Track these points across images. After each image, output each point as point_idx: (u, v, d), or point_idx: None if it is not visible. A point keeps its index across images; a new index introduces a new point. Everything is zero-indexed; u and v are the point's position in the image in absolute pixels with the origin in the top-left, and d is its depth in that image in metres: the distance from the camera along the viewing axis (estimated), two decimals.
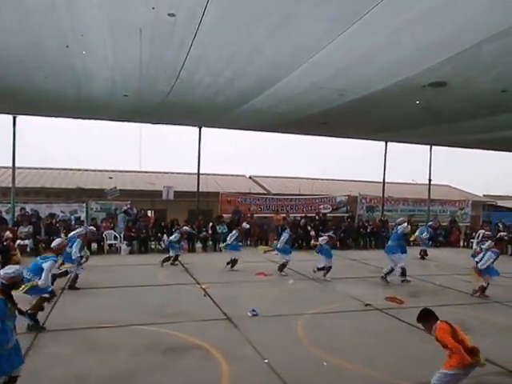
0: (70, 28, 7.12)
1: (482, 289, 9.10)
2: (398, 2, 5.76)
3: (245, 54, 8.13)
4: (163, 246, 12.74)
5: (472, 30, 6.54)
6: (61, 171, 22.62)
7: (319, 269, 10.60)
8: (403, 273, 10.34)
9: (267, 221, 18.65)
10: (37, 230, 13.94)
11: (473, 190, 29.01)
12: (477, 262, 9.16)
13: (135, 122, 16.56)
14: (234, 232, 12.20)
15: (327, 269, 10.53)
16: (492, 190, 36.85)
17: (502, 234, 16.61)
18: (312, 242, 12.00)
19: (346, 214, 19.89)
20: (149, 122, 16.45)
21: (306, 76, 9.18)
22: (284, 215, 18.19)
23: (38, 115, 15.20)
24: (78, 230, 9.86)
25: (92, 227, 11.10)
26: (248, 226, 12.16)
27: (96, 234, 11.01)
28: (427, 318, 4.22)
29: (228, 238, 12.14)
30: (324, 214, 19.02)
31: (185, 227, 13.64)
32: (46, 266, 6.32)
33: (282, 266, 11.19)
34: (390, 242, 10.81)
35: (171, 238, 12.32)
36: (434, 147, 20.35)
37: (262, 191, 22.35)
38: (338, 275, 10.74)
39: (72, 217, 15.22)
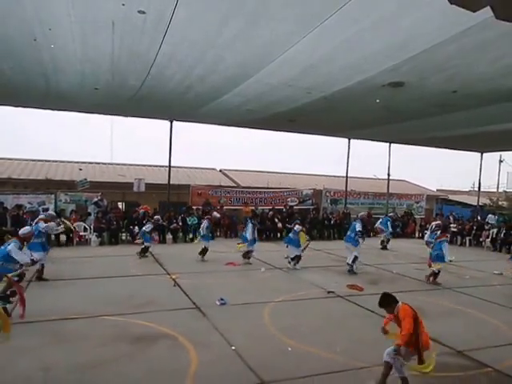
0: (37, 21, 7.10)
1: (434, 275, 9.81)
2: (359, 7, 6.13)
3: (215, 52, 8.34)
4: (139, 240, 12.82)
5: (426, 34, 7.04)
6: (29, 162, 21.91)
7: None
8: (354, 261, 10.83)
9: (236, 213, 19.01)
10: (2, 220, 13.63)
11: (427, 184, 30.86)
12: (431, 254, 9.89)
13: (106, 114, 16.40)
14: (204, 222, 12.45)
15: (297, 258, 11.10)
16: (444, 185, 39.17)
17: (451, 225, 17.69)
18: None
19: (312, 207, 20.55)
20: (120, 115, 16.32)
21: (274, 74, 9.50)
22: (252, 208, 18.62)
23: (4, 105, 14.80)
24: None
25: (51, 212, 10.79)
26: (218, 216, 12.42)
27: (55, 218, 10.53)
28: (388, 301, 4.55)
29: (201, 230, 12.40)
30: (291, 207, 19.56)
31: (156, 216, 13.82)
32: (10, 248, 6.55)
33: (247, 253, 11.64)
34: (349, 233, 11.36)
35: (144, 228, 12.41)
36: (393, 144, 21.34)
37: (232, 184, 22.62)
38: (304, 265, 11.18)
39: (40, 208, 14.94)
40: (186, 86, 10.86)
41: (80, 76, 10.23)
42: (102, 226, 15.05)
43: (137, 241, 12.86)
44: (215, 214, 12.83)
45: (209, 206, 17.73)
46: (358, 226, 11.08)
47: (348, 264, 10.76)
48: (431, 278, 9.82)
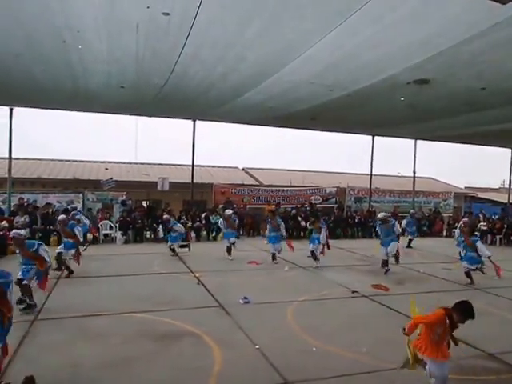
0: (65, 25, 7.30)
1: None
2: (383, 3, 6.04)
3: (237, 51, 8.38)
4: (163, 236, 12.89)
5: (453, 30, 6.88)
6: (57, 162, 22.65)
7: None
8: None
9: (260, 211, 19.05)
10: (33, 219, 14.03)
11: (455, 182, 30.06)
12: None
13: (131, 114, 16.69)
14: (220, 220, 12.69)
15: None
16: (473, 182, 38.20)
17: (481, 224, 17.23)
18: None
19: (335, 205, 20.46)
20: (144, 115, 16.57)
21: (296, 72, 9.46)
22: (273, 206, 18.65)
23: (35, 107, 15.29)
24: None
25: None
26: (230, 212, 12.61)
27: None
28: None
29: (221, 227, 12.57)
30: (314, 205, 19.45)
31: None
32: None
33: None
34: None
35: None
36: (418, 141, 20.88)
37: (255, 183, 22.68)
38: (327, 263, 11.09)
39: (69, 207, 15.36)
40: (209, 84, 10.92)
41: (107, 75, 10.43)
42: (128, 223, 15.34)
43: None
44: (227, 211, 12.94)
45: (230, 205, 17.84)
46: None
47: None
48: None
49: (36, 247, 6.84)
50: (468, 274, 9.57)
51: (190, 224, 13.07)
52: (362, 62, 8.64)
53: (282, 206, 18.86)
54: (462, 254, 9.88)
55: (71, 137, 53.49)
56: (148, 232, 16.08)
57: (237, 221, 12.76)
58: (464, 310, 3.91)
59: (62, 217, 10.05)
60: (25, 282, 6.65)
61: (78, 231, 9.48)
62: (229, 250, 11.98)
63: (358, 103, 12.08)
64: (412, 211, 17.16)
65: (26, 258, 6.80)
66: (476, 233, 10.49)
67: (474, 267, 9.54)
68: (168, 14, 6.71)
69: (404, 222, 15.67)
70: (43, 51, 8.71)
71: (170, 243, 12.44)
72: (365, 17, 6.46)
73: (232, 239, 12.10)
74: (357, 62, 8.66)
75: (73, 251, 9.38)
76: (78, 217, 11.73)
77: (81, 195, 16.46)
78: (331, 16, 6.58)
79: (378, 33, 7.10)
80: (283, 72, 9.51)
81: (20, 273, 6.71)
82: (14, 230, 7.42)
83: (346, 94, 10.95)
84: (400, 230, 10.47)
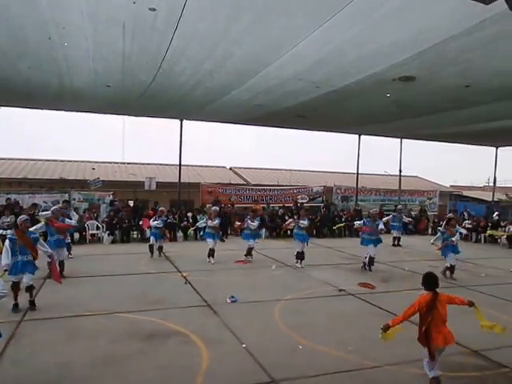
0: (51, 21, 7.19)
1: (445, 269, 9.88)
2: (369, 1, 6.04)
3: (224, 47, 8.31)
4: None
5: (439, 28, 6.91)
6: (44, 162, 22.50)
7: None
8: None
9: (247, 211, 19.01)
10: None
11: (440, 180, 30.62)
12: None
13: (118, 114, 16.52)
14: (204, 219, 12.23)
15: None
16: (458, 180, 38.96)
17: (466, 222, 17.44)
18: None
19: (322, 204, 20.51)
20: (131, 115, 16.42)
21: (283, 68, 9.44)
22: (262, 205, 18.67)
23: (21, 107, 15.14)
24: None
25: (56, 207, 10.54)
26: (217, 209, 12.49)
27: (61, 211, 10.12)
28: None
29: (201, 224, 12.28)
30: (301, 204, 19.51)
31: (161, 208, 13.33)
32: None
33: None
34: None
35: (154, 223, 11.88)
36: (404, 140, 21.17)
37: (242, 182, 22.67)
38: (314, 262, 11.15)
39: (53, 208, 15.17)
40: (196, 82, 10.85)
41: (93, 74, 10.31)
42: (114, 223, 15.21)
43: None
44: (214, 208, 12.73)
45: (218, 204, 17.77)
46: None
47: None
48: (447, 273, 9.83)
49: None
50: (447, 269, 9.88)
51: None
52: (349, 59, 8.66)
53: (270, 205, 18.90)
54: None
55: (58, 136, 52.96)
56: (135, 232, 15.95)
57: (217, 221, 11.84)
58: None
59: (55, 207, 10.10)
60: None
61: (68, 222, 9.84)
62: (211, 253, 11.37)
63: (345, 100, 12.12)
64: (399, 206, 17.32)
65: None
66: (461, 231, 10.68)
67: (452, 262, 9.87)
68: (155, 9, 6.64)
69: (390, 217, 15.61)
70: (29, 48, 8.57)
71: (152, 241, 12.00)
72: (352, 14, 6.46)
73: (213, 241, 11.42)
74: (344, 59, 8.67)
75: (65, 251, 9.44)
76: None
77: (67, 195, 16.22)
78: (319, 12, 6.57)
79: (365, 30, 7.10)
80: (270, 69, 9.47)
81: None
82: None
83: (333, 90, 10.97)
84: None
